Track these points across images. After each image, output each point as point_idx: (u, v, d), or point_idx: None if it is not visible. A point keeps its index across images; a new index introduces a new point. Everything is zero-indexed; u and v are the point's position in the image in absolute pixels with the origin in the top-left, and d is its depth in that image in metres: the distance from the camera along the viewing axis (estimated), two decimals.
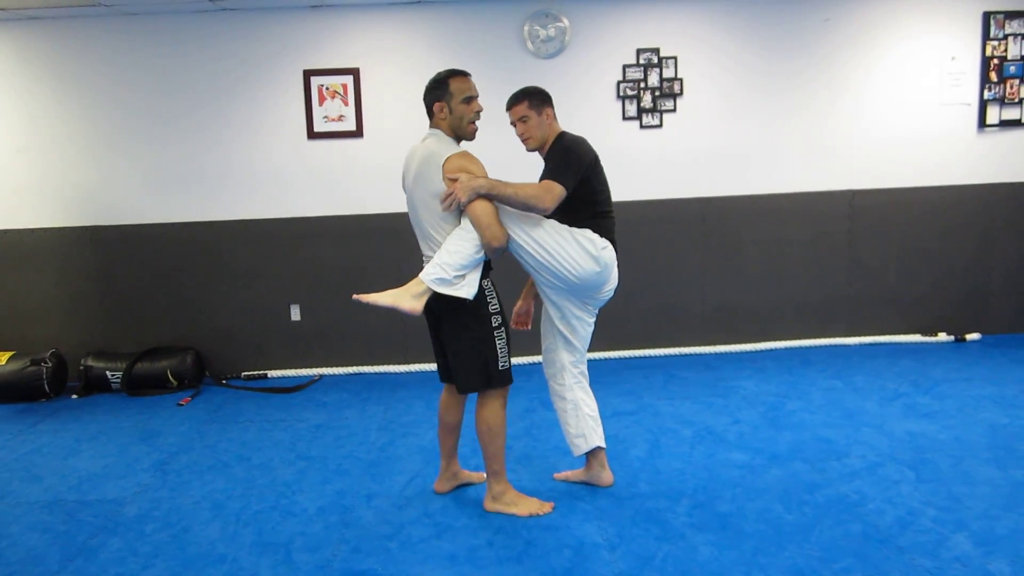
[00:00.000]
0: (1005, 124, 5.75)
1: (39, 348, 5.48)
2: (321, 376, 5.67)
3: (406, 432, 4.51)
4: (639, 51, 5.54)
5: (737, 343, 5.86)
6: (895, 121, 5.72)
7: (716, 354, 5.79)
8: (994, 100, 5.72)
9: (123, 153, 5.53)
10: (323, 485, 3.84)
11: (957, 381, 4.99)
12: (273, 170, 5.57)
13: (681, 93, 5.60)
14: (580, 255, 3.35)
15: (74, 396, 5.40)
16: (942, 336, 5.89)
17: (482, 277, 3.31)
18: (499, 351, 3.35)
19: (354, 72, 5.47)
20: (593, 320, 3.61)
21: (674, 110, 5.62)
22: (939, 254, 5.87)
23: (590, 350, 5.69)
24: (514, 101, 3.51)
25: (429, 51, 5.47)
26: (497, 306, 3.37)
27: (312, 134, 5.54)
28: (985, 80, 5.69)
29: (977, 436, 4.10)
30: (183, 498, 3.76)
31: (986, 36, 5.65)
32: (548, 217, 3.38)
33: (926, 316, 5.94)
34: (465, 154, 3.26)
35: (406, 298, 3.18)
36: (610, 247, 3.44)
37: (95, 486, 3.94)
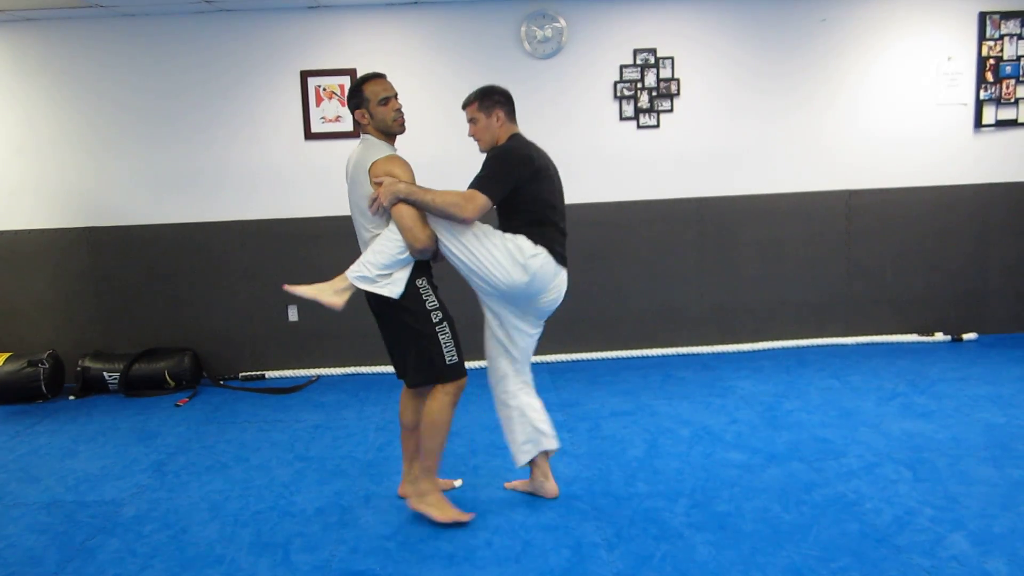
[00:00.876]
0: (1001, 124, 5.76)
1: (36, 349, 5.47)
2: (319, 377, 5.67)
3: None
4: (636, 51, 5.55)
5: (734, 343, 5.87)
6: (892, 121, 5.73)
7: (713, 354, 5.80)
8: (990, 100, 5.73)
9: (120, 154, 5.52)
10: (321, 485, 3.84)
11: (954, 381, 4.99)
12: (270, 171, 5.57)
13: (678, 93, 5.61)
14: (508, 263, 3.27)
15: (71, 397, 5.39)
16: (939, 336, 5.90)
17: (417, 276, 3.30)
18: (444, 346, 3.32)
19: (351, 73, 5.47)
20: (536, 332, 3.52)
21: (671, 110, 5.62)
22: (936, 254, 5.88)
23: (587, 350, 5.78)
24: (467, 102, 3.47)
25: (426, 51, 5.47)
26: (435, 303, 3.34)
27: (309, 135, 5.54)
28: (981, 80, 5.71)
29: (974, 435, 4.11)
30: (181, 499, 3.76)
31: (982, 36, 5.66)
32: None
33: (923, 316, 5.95)
34: (391, 158, 3.29)
35: (328, 292, 3.28)
36: (543, 255, 3.31)
37: (93, 487, 3.94)
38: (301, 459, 4.19)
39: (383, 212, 3.25)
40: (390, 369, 5.64)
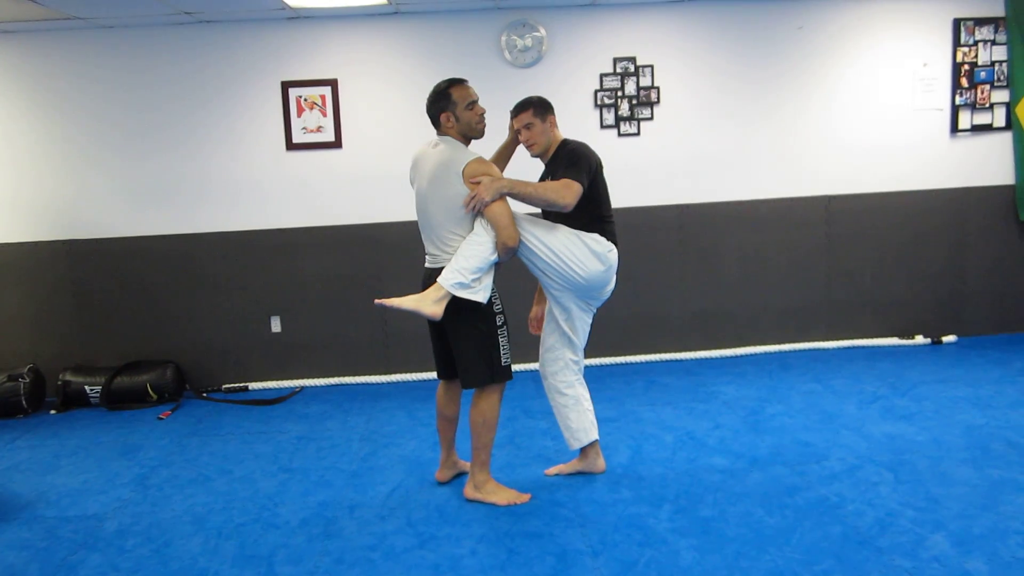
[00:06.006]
0: (977, 129, 5.83)
1: (16, 364, 5.43)
2: (302, 388, 5.65)
3: (388, 442, 4.50)
4: (616, 60, 5.58)
5: (717, 348, 5.89)
6: (870, 127, 5.79)
7: (696, 360, 5.82)
8: (966, 105, 5.80)
9: (100, 166, 5.50)
10: (305, 497, 3.83)
11: (934, 383, 5.04)
12: (252, 182, 5.56)
13: (658, 101, 5.64)
14: (588, 257, 3.55)
15: (52, 412, 5.34)
16: (919, 339, 5.95)
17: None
18: (502, 348, 3.52)
19: (332, 83, 5.47)
20: (591, 319, 3.79)
21: (651, 118, 5.66)
22: (915, 258, 5.94)
23: None
24: (519, 109, 3.70)
25: (407, 61, 5.49)
26: (500, 306, 3.55)
27: (291, 145, 5.53)
28: (956, 85, 5.78)
29: (954, 437, 4.15)
30: (164, 512, 3.73)
31: (956, 42, 5.74)
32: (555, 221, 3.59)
33: (903, 319, 6.00)
34: (482, 160, 3.44)
35: (428, 303, 3.36)
36: (615, 250, 3.67)
37: (75, 502, 3.90)
38: (285, 470, 4.17)
39: (477, 211, 3.37)
40: (374, 379, 5.67)
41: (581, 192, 3.46)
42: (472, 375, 3.53)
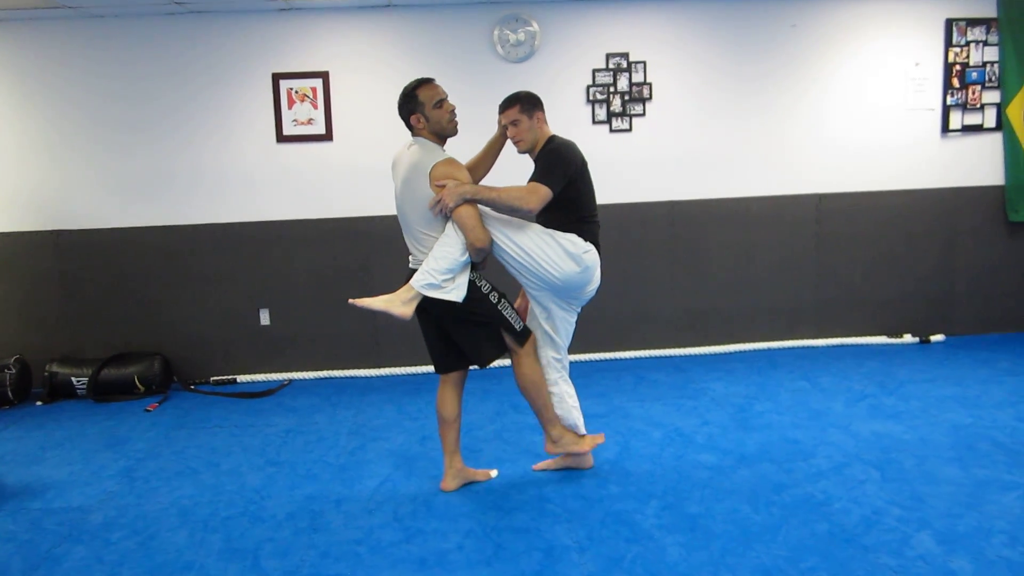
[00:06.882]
0: (967, 129, 5.84)
1: (2, 354, 5.40)
2: (291, 381, 5.64)
3: (376, 436, 4.49)
4: (608, 55, 5.58)
5: (706, 345, 5.91)
6: (861, 125, 5.80)
7: (685, 356, 5.83)
8: (956, 105, 5.81)
9: (88, 157, 5.46)
10: (292, 490, 3.82)
11: (922, 382, 5.06)
12: (242, 174, 5.53)
13: (650, 97, 5.64)
14: (561, 257, 3.50)
15: (39, 403, 5.31)
16: (907, 337, 5.97)
17: (470, 272, 3.49)
18: (509, 318, 3.56)
19: (323, 75, 5.45)
20: (575, 318, 3.76)
21: (643, 114, 5.65)
22: (904, 257, 5.96)
23: None
24: (506, 105, 3.66)
25: (398, 55, 5.47)
26: (489, 287, 3.55)
27: (281, 137, 5.51)
28: (948, 86, 5.79)
29: (941, 436, 4.17)
30: (150, 505, 3.72)
31: (948, 43, 5.75)
32: (535, 221, 3.56)
33: (892, 318, 6.02)
34: (450, 161, 3.43)
35: (397, 304, 3.40)
36: (593, 250, 3.58)
37: (60, 494, 3.88)
38: (272, 464, 4.16)
39: (445, 214, 3.37)
40: (363, 373, 5.66)
41: (548, 196, 3.42)
42: (485, 352, 3.58)
